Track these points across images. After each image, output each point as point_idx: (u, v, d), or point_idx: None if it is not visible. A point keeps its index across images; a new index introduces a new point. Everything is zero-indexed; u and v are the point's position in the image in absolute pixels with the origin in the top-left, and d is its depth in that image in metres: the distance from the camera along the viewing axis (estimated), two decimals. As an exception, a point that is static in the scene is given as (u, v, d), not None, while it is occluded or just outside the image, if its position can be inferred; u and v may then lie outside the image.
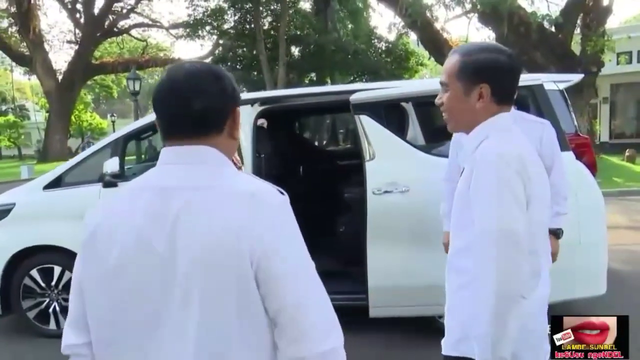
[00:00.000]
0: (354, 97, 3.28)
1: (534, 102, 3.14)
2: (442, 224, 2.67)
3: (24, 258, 3.59)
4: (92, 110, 37.54)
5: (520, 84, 2.82)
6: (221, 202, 0.90)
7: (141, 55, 28.44)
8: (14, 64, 29.09)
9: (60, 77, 25.91)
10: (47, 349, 3.47)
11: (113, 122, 30.33)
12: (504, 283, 1.17)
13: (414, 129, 3.39)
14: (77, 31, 26.28)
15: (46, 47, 25.93)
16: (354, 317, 3.47)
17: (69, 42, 27.51)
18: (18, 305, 3.62)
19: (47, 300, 3.62)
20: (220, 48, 23.00)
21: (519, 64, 1.37)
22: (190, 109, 0.95)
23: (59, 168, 3.84)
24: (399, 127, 3.39)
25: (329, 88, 4.30)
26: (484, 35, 17.10)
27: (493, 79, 1.30)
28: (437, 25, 14.67)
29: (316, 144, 8.57)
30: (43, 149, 26.93)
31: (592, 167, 3.24)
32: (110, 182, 3.39)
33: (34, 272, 3.59)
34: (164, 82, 0.98)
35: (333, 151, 7.38)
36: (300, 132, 6.51)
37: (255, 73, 21.35)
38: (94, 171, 3.58)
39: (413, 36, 17.20)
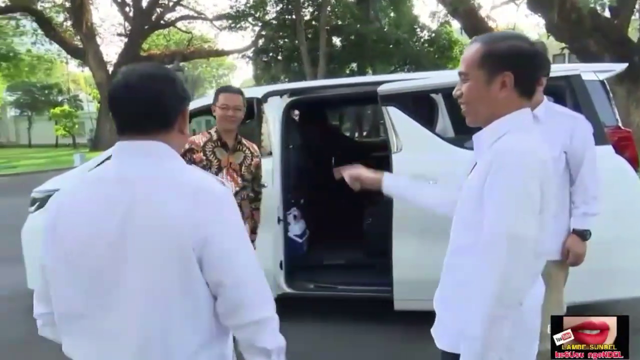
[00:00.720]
0: (381, 88, 3.24)
1: (571, 94, 3.00)
2: None
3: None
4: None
5: (557, 74, 2.70)
6: (167, 192, 1.02)
7: (187, 47, 29.13)
8: (68, 56, 30.48)
9: (110, 69, 26.98)
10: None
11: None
12: (505, 289, 1.15)
13: (443, 120, 3.33)
14: (127, 24, 27.23)
15: (98, 40, 27.01)
16: (376, 309, 3.49)
17: (119, 34, 28.56)
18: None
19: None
20: (262, 39, 23.23)
21: (543, 54, 1.35)
22: (143, 107, 1.06)
23: (103, 154, 4.01)
24: (427, 119, 3.33)
25: (358, 79, 4.27)
26: (532, 22, 16.39)
27: (517, 67, 1.25)
28: (482, 13, 14.19)
29: (347, 135, 8.53)
30: (95, 138, 28.20)
31: (634, 162, 3.07)
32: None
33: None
34: (119, 82, 1.08)
35: (363, 143, 7.33)
36: (331, 123, 6.51)
37: (296, 64, 21.45)
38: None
39: (457, 25, 16.72)
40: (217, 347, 1.10)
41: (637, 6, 13.01)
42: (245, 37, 22.03)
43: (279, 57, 22.41)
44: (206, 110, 3.38)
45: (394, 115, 3.21)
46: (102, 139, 26.52)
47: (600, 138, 2.71)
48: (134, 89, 1.06)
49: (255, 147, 2.97)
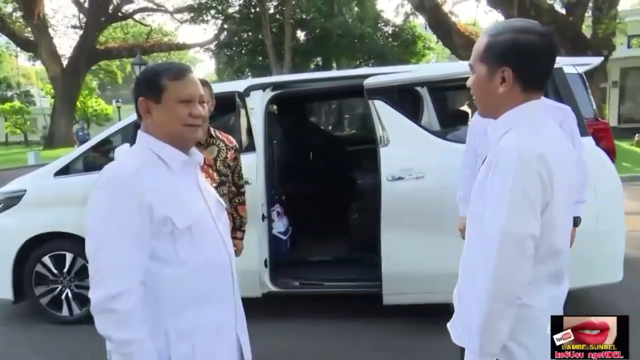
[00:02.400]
0: (367, 82, 3.21)
1: (552, 87, 3.06)
2: (458, 210, 2.63)
3: (35, 245, 3.58)
4: (97, 96, 37.45)
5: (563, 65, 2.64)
6: None
7: (145, 40, 28.22)
8: (18, 49, 28.97)
9: (65, 63, 25.81)
10: (61, 335, 3.49)
11: (118, 107, 30.20)
12: (499, 285, 1.15)
13: (429, 113, 3.33)
14: (82, 16, 26.11)
15: (51, 32, 25.82)
16: (363, 304, 3.48)
17: (74, 27, 27.39)
18: (31, 293, 3.63)
19: (60, 287, 3.62)
20: (225, 32, 22.78)
21: (552, 46, 1.23)
22: None
23: (69, 155, 3.81)
24: (413, 112, 3.33)
25: (342, 72, 4.22)
26: (492, 18, 16.83)
27: (516, 62, 1.19)
28: (445, 8, 14.44)
29: (326, 128, 8.49)
30: (49, 135, 26.97)
31: (611, 153, 3.18)
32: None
33: (46, 259, 3.58)
34: None
35: (342, 136, 7.31)
36: (310, 117, 6.44)
37: (261, 58, 21.19)
38: (106, 158, 3.55)
39: (421, 20, 16.96)
40: None
41: (590, 4, 13.56)
42: (207, 30, 21.52)
43: (243, 51, 22.07)
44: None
45: (381, 109, 3.18)
46: (56, 136, 25.37)
47: (581, 130, 2.77)
48: None
49: (232, 138, 2.80)
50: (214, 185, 2.64)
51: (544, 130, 1.24)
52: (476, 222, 1.28)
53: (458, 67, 3.37)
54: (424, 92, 3.32)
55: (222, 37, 23.18)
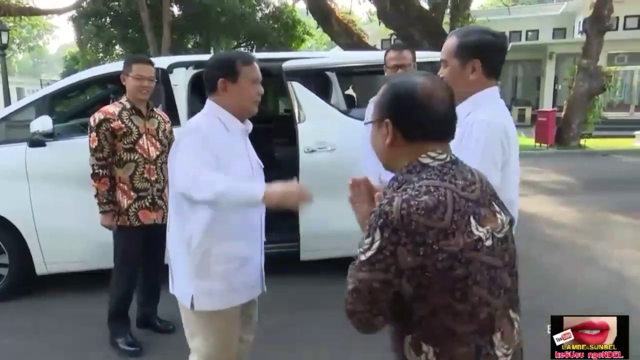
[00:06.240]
0: (285, 65, 3.60)
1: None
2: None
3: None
4: None
5: (423, 59, 3.36)
6: None
7: (-13, 0, 24.40)
8: None
9: None
10: None
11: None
12: None
13: (337, 95, 3.83)
14: None
15: None
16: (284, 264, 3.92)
17: None
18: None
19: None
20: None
21: (505, 44, 1.66)
22: None
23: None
24: (324, 93, 3.80)
25: (262, 55, 4.51)
26: (365, 8, 18.07)
27: (483, 56, 1.61)
28: (325, -4, 15.15)
29: None
30: None
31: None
32: (38, 141, 3.30)
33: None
34: None
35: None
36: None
37: (131, 31, 19.84)
38: (16, 130, 3.43)
39: (301, 5, 17.49)
40: None
41: (449, 3, 15.33)
42: (67, -5, 19.28)
43: (108, 22, 20.32)
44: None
45: (298, 90, 3.60)
46: None
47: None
48: None
49: (164, 113, 3.11)
50: (157, 153, 2.87)
51: (500, 108, 1.68)
52: None
53: (362, 56, 3.91)
54: (332, 76, 3.81)
55: (84, 4, 21.03)
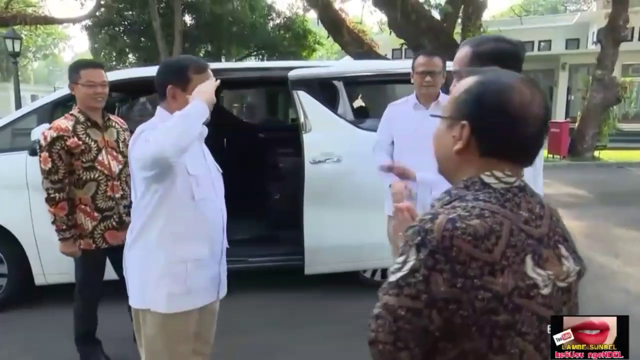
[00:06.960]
0: (291, 74, 3.52)
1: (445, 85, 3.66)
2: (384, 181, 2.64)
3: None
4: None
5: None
6: None
7: (4, 9, 24.87)
8: None
9: None
10: None
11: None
12: None
13: (344, 105, 3.73)
14: None
15: None
16: (289, 276, 3.81)
17: None
18: None
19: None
20: (103, 9, 21.00)
21: (521, 52, 1.55)
22: None
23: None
24: (331, 103, 3.71)
25: (257, 64, 4.46)
26: (377, 18, 18.02)
27: (501, 64, 1.46)
28: (336, 6, 15.16)
29: (239, 116, 8.57)
30: None
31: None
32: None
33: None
34: None
35: (253, 124, 7.49)
36: (222, 105, 6.54)
37: (144, 39, 20.05)
38: (16, 139, 3.39)
39: (312, 15, 17.51)
40: None
41: (460, 13, 15.27)
42: (85, 5, 19.61)
43: (124, 31, 20.59)
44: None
45: (304, 99, 3.52)
46: None
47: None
48: None
49: (122, 120, 2.82)
50: (120, 167, 2.61)
51: None
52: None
53: (369, 65, 3.82)
54: (339, 85, 3.72)
55: (99, 13, 21.32)
